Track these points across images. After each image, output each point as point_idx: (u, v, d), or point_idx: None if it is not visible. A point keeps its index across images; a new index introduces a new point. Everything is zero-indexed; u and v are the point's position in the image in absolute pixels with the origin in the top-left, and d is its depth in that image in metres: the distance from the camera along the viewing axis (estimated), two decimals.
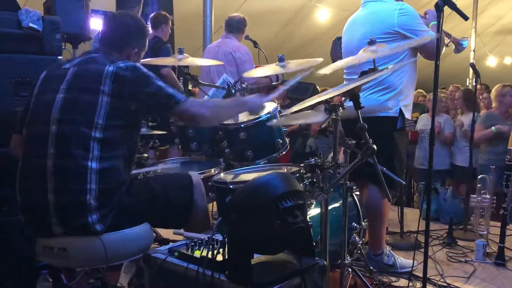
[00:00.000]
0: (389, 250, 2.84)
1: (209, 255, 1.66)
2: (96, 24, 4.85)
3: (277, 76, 3.91)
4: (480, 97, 5.51)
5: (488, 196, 3.33)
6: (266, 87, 3.83)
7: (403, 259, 2.83)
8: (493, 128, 4.44)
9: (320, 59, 2.37)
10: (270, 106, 2.63)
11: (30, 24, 2.51)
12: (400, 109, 2.66)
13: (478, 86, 6.24)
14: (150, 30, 4.60)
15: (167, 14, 4.67)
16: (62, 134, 1.78)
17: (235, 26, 4.32)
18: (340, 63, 2.09)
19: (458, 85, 6.26)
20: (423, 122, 5.02)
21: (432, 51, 2.42)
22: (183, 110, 1.90)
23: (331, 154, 2.11)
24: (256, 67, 3.97)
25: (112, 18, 2.14)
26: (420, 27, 2.61)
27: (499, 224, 3.09)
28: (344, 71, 2.91)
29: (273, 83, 3.85)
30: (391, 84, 2.65)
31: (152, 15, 4.72)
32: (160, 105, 1.92)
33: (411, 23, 2.60)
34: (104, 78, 1.81)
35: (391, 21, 2.60)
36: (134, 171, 2.29)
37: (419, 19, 2.65)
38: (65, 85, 1.84)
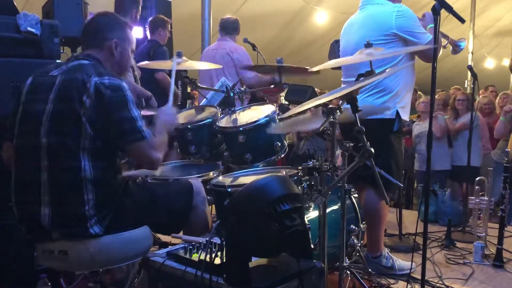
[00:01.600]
0: (387, 252, 2.83)
1: (207, 259, 1.66)
2: None
3: (274, 78, 3.92)
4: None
5: (486, 198, 3.33)
6: (265, 89, 3.84)
7: (401, 261, 2.83)
8: None
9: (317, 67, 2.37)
10: (268, 109, 2.64)
11: (29, 28, 2.51)
12: (397, 111, 2.67)
13: (492, 88, 6.76)
14: (148, 34, 4.61)
15: (165, 18, 4.67)
16: (53, 147, 1.77)
17: (231, 27, 4.33)
18: (330, 63, 2.10)
19: (458, 86, 6.29)
20: (418, 127, 5.03)
21: (429, 54, 2.43)
22: (143, 148, 1.84)
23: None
24: None
25: (87, 22, 2.13)
26: (418, 29, 2.62)
27: (497, 225, 3.09)
28: (342, 73, 2.92)
29: (271, 86, 3.86)
30: (387, 86, 2.65)
31: (150, 19, 4.73)
32: (126, 134, 1.81)
33: (409, 25, 2.60)
34: (88, 89, 1.76)
35: (389, 24, 2.60)
36: (131, 172, 2.29)
37: (417, 21, 2.66)
38: (53, 95, 1.80)
